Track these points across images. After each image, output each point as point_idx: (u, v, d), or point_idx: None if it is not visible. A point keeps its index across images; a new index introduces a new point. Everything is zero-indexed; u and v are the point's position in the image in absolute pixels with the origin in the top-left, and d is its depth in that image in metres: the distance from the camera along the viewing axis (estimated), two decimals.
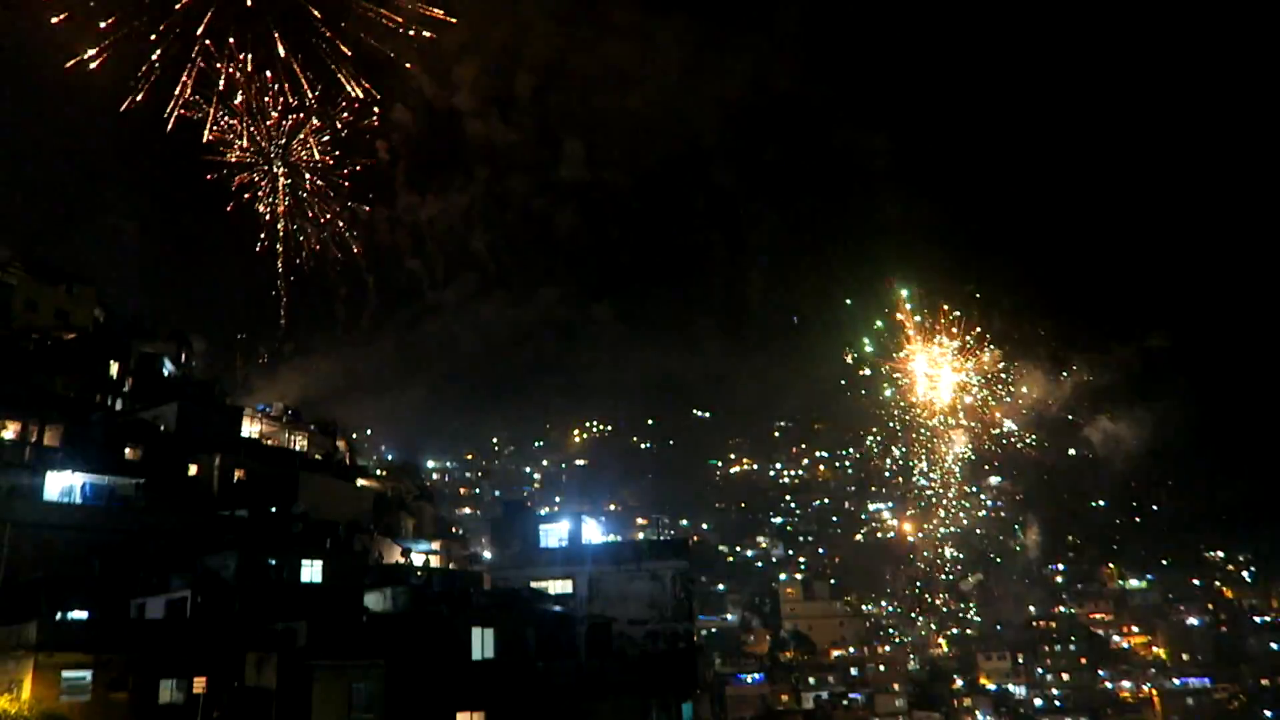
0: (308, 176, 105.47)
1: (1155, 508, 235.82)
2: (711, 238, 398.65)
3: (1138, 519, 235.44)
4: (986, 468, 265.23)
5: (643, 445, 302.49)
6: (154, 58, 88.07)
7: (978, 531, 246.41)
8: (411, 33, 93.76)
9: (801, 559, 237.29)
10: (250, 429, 72.04)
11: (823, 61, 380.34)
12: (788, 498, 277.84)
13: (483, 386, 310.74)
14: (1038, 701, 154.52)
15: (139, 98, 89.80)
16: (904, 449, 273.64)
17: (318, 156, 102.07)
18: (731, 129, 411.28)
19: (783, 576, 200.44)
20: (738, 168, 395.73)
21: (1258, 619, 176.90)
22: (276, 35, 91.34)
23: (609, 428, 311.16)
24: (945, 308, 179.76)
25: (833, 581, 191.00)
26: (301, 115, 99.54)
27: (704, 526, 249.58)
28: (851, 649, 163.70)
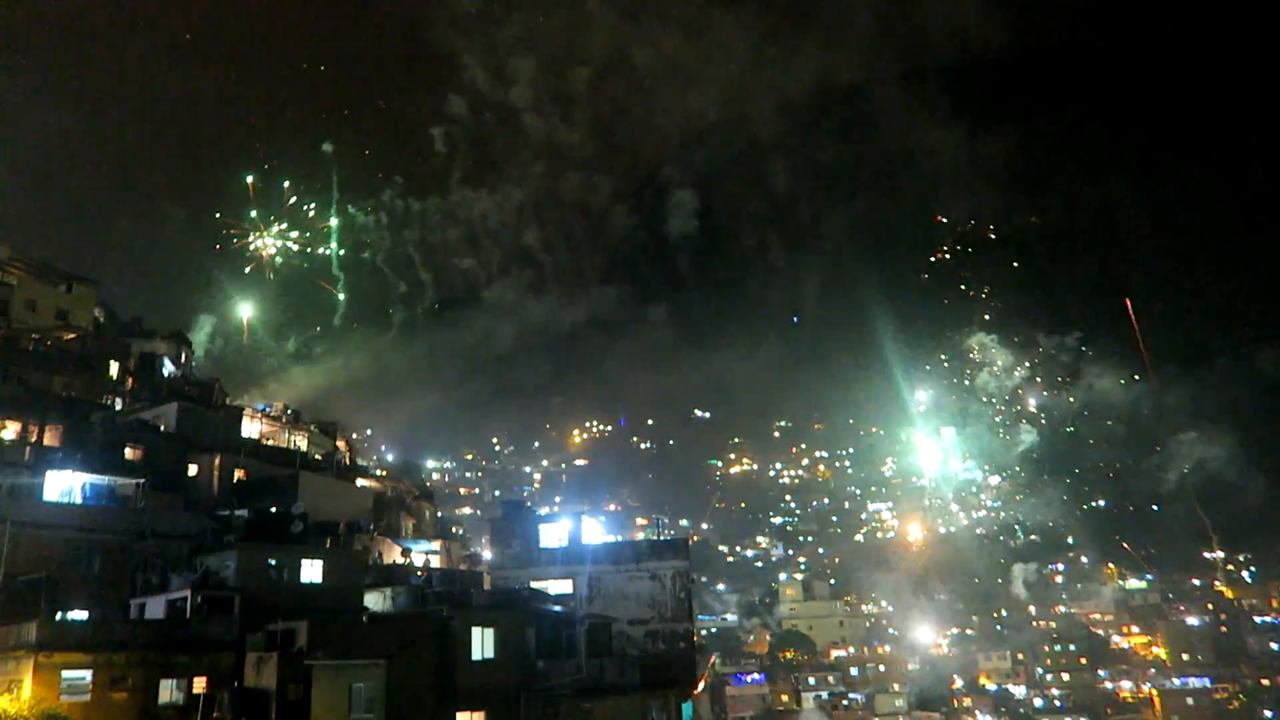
0: None
1: (1155, 508, 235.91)
2: (768, 239, 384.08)
3: (1138, 519, 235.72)
4: (986, 467, 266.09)
5: (643, 445, 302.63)
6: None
7: (978, 531, 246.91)
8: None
9: (801, 559, 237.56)
10: (250, 429, 72.08)
11: (888, 55, 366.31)
12: (788, 498, 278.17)
13: (495, 387, 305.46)
14: (1038, 701, 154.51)
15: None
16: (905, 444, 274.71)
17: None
18: (792, 126, 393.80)
19: (783, 576, 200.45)
20: (797, 167, 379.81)
21: (1258, 619, 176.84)
22: None
23: (609, 428, 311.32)
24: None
25: (832, 581, 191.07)
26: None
27: (704, 526, 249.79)
28: (851, 649, 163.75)
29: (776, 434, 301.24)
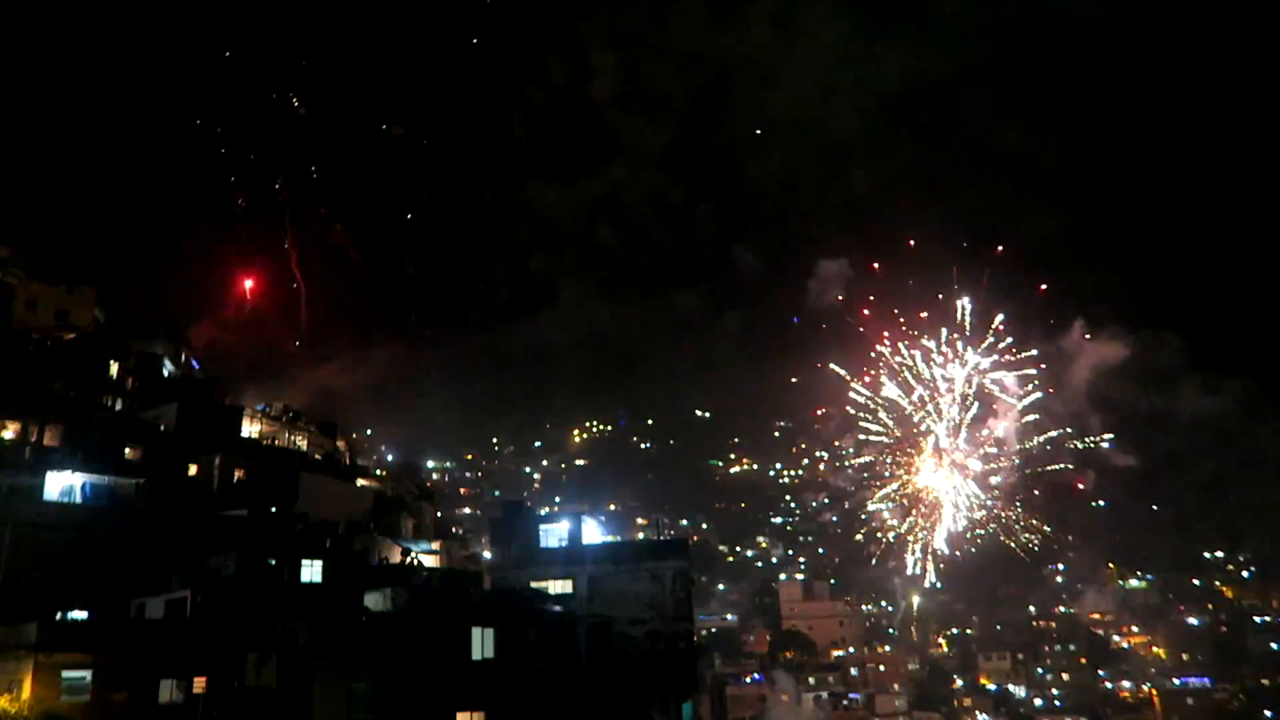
0: None
1: (1155, 508, 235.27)
2: (847, 242, 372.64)
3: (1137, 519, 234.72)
4: (987, 466, 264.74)
5: (643, 445, 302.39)
6: None
7: (978, 531, 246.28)
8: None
9: (801, 559, 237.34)
10: (250, 429, 72.05)
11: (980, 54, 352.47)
12: (788, 498, 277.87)
13: (499, 389, 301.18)
14: (1038, 701, 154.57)
15: None
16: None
17: None
18: (878, 126, 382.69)
19: (783, 576, 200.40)
20: (881, 168, 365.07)
21: (1258, 619, 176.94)
22: None
23: (609, 428, 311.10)
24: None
25: (833, 581, 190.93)
26: None
27: (704, 526, 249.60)
28: (851, 649, 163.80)
29: (776, 434, 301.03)
